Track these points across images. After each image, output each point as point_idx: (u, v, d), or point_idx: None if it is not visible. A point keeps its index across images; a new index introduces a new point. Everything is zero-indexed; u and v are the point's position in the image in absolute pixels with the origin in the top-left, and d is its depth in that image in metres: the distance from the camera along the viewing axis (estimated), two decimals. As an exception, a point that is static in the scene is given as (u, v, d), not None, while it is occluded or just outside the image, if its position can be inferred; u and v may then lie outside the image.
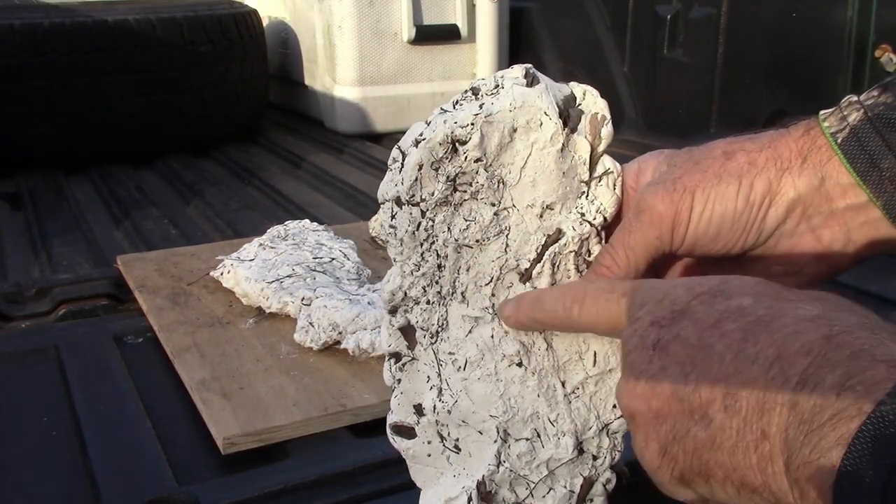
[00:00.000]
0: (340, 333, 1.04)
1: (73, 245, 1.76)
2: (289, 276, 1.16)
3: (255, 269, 1.20)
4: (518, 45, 2.79)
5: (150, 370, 1.06)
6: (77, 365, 1.06)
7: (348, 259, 1.24)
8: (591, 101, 0.56)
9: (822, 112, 0.53)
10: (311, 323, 1.06)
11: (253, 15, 2.74)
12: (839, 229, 0.52)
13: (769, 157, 0.52)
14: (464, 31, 2.64)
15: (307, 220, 1.40)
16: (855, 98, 0.52)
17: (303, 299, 1.10)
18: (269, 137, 2.80)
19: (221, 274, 1.25)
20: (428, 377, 0.55)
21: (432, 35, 2.61)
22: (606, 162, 0.56)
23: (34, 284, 1.31)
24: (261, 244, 1.29)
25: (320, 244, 1.29)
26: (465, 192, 0.53)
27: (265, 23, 2.90)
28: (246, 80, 2.66)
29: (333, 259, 1.23)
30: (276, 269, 1.19)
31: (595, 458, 0.57)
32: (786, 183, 0.52)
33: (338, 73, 2.60)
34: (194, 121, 2.55)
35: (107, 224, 1.92)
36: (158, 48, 2.40)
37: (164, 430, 0.91)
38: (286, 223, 1.38)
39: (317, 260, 1.23)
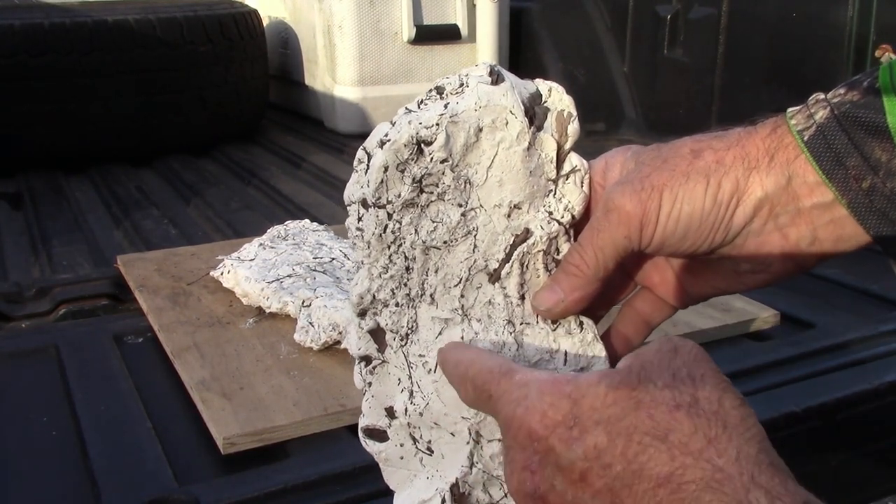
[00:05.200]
0: (340, 333, 1.04)
1: (73, 245, 1.76)
2: (289, 276, 1.16)
3: (255, 269, 1.20)
4: (518, 45, 2.78)
5: (150, 370, 1.06)
6: (77, 365, 1.06)
7: (348, 259, 1.24)
8: (557, 98, 0.55)
9: (789, 109, 0.53)
10: (311, 323, 1.06)
11: (253, 15, 2.73)
12: (805, 228, 0.52)
13: (737, 155, 0.52)
14: (464, 31, 2.64)
15: (307, 220, 1.40)
16: (822, 96, 0.52)
17: (303, 301, 1.10)
18: (269, 137, 2.80)
19: (221, 274, 1.25)
20: (399, 380, 0.55)
21: (432, 35, 2.61)
22: (573, 159, 0.55)
23: (34, 284, 1.31)
24: (261, 244, 1.29)
25: (320, 244, 1.29)
26: (432, 193, 0.52)
27: (265, 23, 2.90)
28: (246, 80, 2.66)
29: (333, 259, 1.23)
30: (276, 269, 1.19)
31: None
32: (753, 182, 0.51)
33: (338, 72, 2.60)
34: (194, 121, 2.55)
35: (107, 224, 1.92)
36: (158, 48, 2.40)
37: (164, 430, 0.92)
38: (286, 223, 1.38)
39: (317, 260, 1.23)
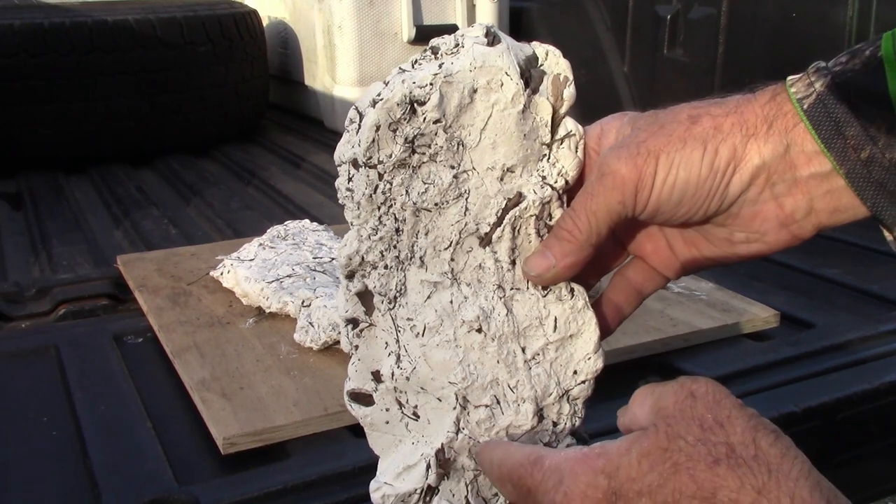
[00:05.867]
0: (340, 333, 1.03)
1: (73, 245, 1.76)
2: (289, 276, 1.16)
3: (255, 269, 1.20)
4: (518, 45, 2.78)
5: (150, 370, 1.06)
6: (77, 365, 1.06)
7: (348, 259, 1.24)
8: (554, 62, 0.54)
9: (789, 77, 0.52)
10: (311, 323, 1.06)
11: (253, 15, 2.73)
12: (802, 198, 0.51)
13: (735, 122, 0.51)
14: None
15: (307, 220, 1.40)
16: (823, 64, 0.51)
17: (303, 301, 1.10)
18: (269, 137, 2.80)
19: (221, 274, 1.25)
20: (386, 343, 0.55)
21: (432, 35, 2.54)
22: (569, 124, 0.54)
23: (34, 284, 1.31)
24: (261, 244, 1.29)
25: (320, 244, 1.29)
26: (424, 154, 0.52)
27: (265, 23, 2.90)
28: (246, 80, 2.66)
29: (333, 259, 1.23)
30: (276, 269, 1.19)
31: (555, 424, 0.56)
32: (751, 149, 0.50)
33: (338, 72, 2.60)
34: (194, 121, 2.55)
35: (107, 224, 1.92)
36: (158, 48, 2.40)
37: (164, 430, 0.92)
38: (286, 223, 1.38)
39: (317, 260, 1.23)
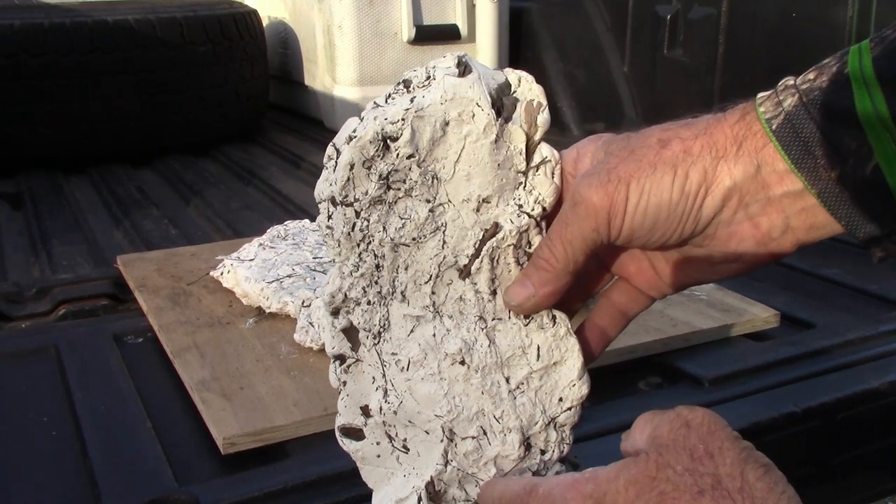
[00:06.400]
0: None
1: (73, 245, 1.76)
2: (289, 276, 1.16)
3: (255, 269, 1.20)
4: (518, 45, 2.78)
5: (150, 370, 1.06)
6: (77, 365, 1.06)
7: (348, 259, 1.24)
8: (527, 88, 0.54)
9: (759, 95, 0.52)
10: (311, 323, 1.06)
11: (253, 15, 2.73)
12: (777, 216, 0.51)
13: (704, 144, 0.51)
14: (464, 31, 2.64)
15: (307, 220, 1.40)
16: (791, 81, 0.51)
17: (303, 301, 1.10)
18: (269, 137, 2.80)
19: (221, 274, 1.25)
20: (373, 378, 0.55)
21: (432, 35, 2.61)
22: (544, 150, 0.54)
23: (34, 284, 1.31)
24: (261, 244, 1.29)
25: (320, 244, 1.29)
26: (399, 189, 0.52)
27: (265, 23, 2.90)
28: (246, 80, 2.66)
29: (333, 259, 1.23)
30: (276, 269, 1.19)
31: (543, 452, 0.56)
32: (721, 171, 0.50)
33: (338, 72, 2.60)
34: (194, 121, 2.55)
35: (107, 224, 1.92)
36: (158, 48, 2.40)
37: (164, 430, 0.91)
38: (286, 223, 1.38)
39: (317, 260, 1.23)
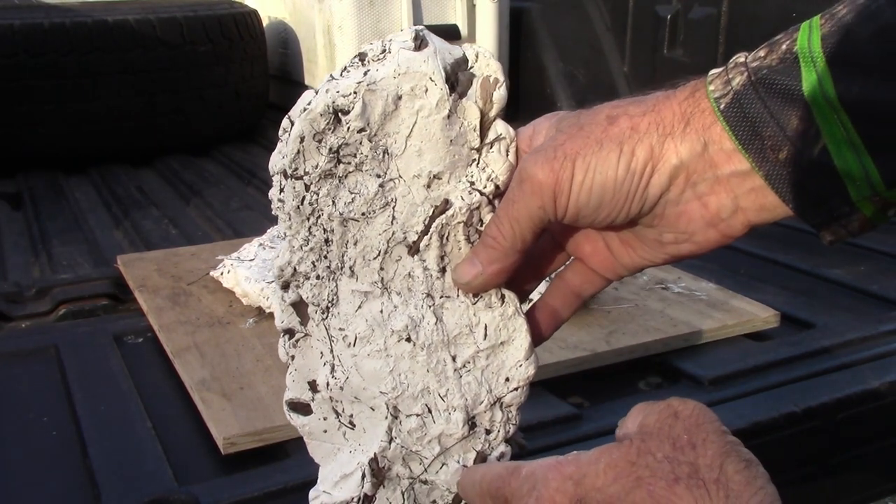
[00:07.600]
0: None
1: (73, 245, 1.76)
2: (289, 276, 1.16)
3: (255, 269, 1.20)
4: (518, 45, 2.78)
5: (150, 370, 1.06)
6: (77, 365, 1.06)
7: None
8: (484, 64, 0.53)
9: (711, 72, 0.50)
10: (311, 323, 1.06)
11: (253, 15, 2.74)
12: (726, 196, 0.50)
13: (652, 121, 0.49)
14: (464, 31, 2.64)
15: (307, 220, 1.40)
16: (742, 59, 0.50)
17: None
18: (269, 137, 2.80)
19: (221, 274, 1.25)
20: (321, 353, 0.55)
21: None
22: (499, 127, 0.53)
23: (34, 284, 1.31)
24: (261, 244, 1.29)
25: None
26: (350, 163, 0.51)
27: (265, 23, 2.90)
28: (246, 80, 2.66)
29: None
30: (276, 269, 1.19)
31: (488, 432, 0.56)
32: (668, 149, 0.49)
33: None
34: (194, 121, 2.55)
35: (107, 224, 1.92)
36: (158, 48, 2.40)
37: (164, 430, 0.91)
38: (286, 223, 1.38)
39: (317, 260, 1.23)
